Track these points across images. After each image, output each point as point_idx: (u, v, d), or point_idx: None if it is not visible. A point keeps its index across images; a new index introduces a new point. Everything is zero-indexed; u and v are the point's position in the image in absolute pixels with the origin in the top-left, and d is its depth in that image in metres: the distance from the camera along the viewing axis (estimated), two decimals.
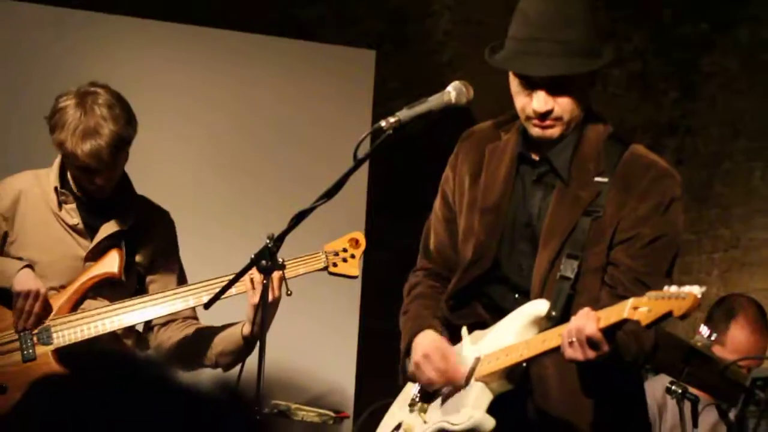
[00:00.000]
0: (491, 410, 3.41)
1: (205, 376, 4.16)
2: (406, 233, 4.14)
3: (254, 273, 3.90)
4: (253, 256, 3.46)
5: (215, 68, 6.26)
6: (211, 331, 4.26)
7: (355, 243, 4.25)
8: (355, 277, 4.30)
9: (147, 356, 3.99)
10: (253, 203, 6.17)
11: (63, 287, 4.21)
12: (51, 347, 4.16)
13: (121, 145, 4.13)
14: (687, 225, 4.42)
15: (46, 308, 4.17)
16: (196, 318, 4.35)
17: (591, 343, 3.18)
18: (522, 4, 3.45)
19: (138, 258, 4.29)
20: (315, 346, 6.04)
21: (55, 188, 4.25)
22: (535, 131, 3.44)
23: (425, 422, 3.57)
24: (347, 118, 6.27)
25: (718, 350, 4.90)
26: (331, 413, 5.51)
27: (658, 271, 3.42)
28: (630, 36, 6.90)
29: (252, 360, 3.51)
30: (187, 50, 6.26)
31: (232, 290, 3.94)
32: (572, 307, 3.36)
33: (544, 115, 3.41)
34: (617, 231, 3.42)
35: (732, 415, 4.55)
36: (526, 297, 3.46)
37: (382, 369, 4.30)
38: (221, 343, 4.22)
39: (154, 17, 6.26)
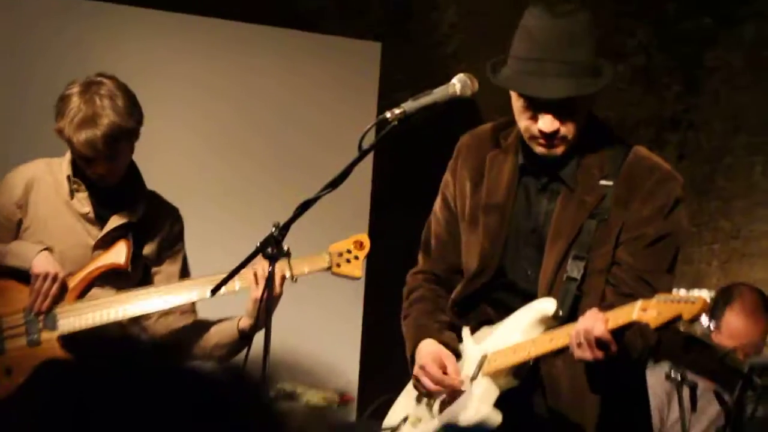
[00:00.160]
0: (498, 405, 3.43)
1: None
2: (410, 223, 4.16)
3: (257, 267, 3.94)
4: (258, 244, 3.48)
5: (222, 59, 6.27)
6: (208, 324, 4.29)
7: (360, 245, 4.25)
8: (357, 279, 4.31)
9: (151, 342, 4.01)
10: (258, 192, 6.19)
11: (71, 275, 4.23)
12: (56, 333, 4.19)
13: (119, 135, 4.09)
14: (688, 217, 4.44)
15: (63, 292, 4.20)
16: (194, 311, 4.38)
17: (599, 344, 3.19)
18: (525, 22, 3.40)
19: (145, 250, 4.30)
20: (320, 330, 6.06)
21: (68, 177, 4.25)
22: (540, 150, 3.44)
23: (432, 416, 3.59)
24: (353, 109, 6.28)
25: (716, 337, 4.95)
26: (336, 396, 5.54)
27: (660, 268, 3.44)
28: (634, 30, 6.90)
29: (258, 344, 3.53)
30: (194, 41, 6.28)
31: (236, 285, 3.96)
32: (579, 307, 3.38)
33: (550, 136, 3.40)
34: (622, 232, 3.43)
35: (727, 398, 4.60)
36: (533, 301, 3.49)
37: (386, 354, 4.32)
38: (217, 335, 4.24)
39: (161, 8, 6.27)
